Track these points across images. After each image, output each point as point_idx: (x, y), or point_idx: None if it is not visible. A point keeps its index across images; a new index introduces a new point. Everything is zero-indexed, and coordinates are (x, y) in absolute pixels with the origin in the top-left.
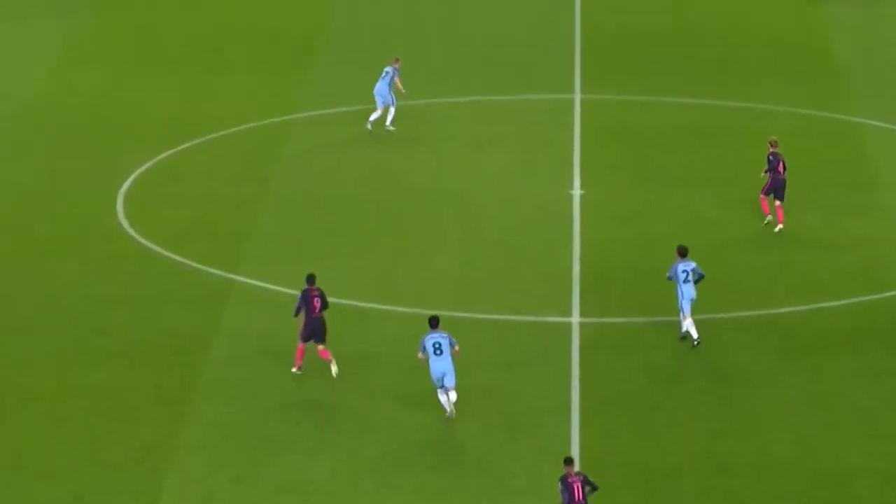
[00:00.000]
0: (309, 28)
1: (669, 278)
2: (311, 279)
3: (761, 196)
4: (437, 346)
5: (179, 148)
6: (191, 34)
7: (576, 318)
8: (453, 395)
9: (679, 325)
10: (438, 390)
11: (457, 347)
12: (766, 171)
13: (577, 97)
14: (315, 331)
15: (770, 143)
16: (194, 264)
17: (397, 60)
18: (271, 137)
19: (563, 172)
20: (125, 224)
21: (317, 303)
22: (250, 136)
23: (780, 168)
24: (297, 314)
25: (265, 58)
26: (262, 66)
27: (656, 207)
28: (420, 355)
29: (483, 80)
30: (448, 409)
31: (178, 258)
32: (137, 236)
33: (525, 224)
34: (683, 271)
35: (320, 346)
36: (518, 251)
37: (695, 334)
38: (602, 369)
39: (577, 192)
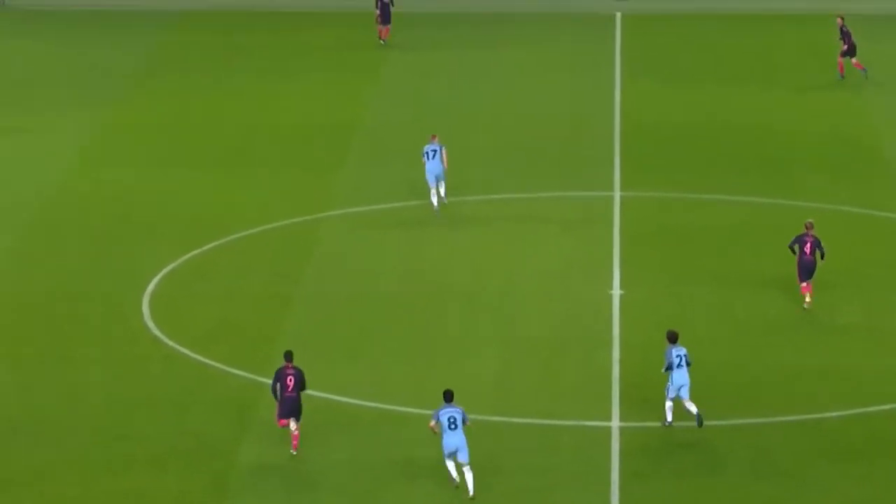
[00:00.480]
0: (342, 121)
1: (668, 368)
2: (288, 356)
3: (801, 285)
4: (451, 420)
5: (207, 247)
6: (219, 128)
7: (616, 423)
8: (469, 474)
9: (664, 413)
10: (447, 460)
11: (468, 422)
12: (790, 246)
13: (617, 195)
14: (292, 410)
15: (805, 225)
16: (221, 366)
17: (434, 137)
18: (302, 236)
19: (602, 272)
20: (151, 325)
21: (290, 381)
22: (280, 235)
23: (808, 249)
24: (273, 391)
25: (296, 152)
26: (293, 161)
27: (697, 309)
28: (432, 423)
29: (520, 177)
30: (455, 479)
31: (204, 360)
32: (163, 337)
33: (563, 325)
34: (678, 356)
35: (294, 428)
36: (556, 353)
37: (694, 409)
38: (642, 474)
39: (616, 292)
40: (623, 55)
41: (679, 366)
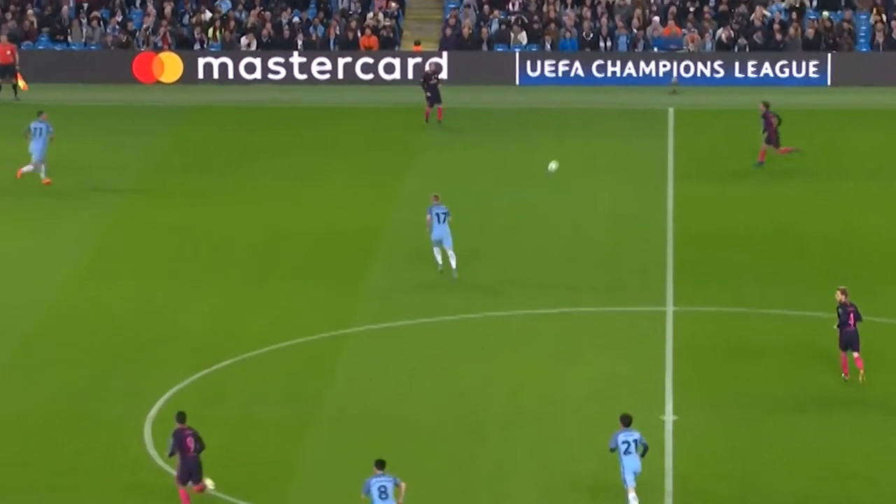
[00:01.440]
0: (367, 228)
1: (612, 450)
2: (181, 417)
3: (841, 355)
4: (382, 489)
5: (217, 367)
6: (231, 235)
7: None
8: None
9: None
10: None
11: (403, 487)
12: (836, 326)
13: (670, 309)
14: (192, 471)
15: (840, 290)
16: (232, 499)
17: (436, 197)
18: (322, 354)
19: (653, 394)
20: (153, 453)
21: (190, 442)
22: (298, 353)
23: (851, 320)
24: (171, 455)
25: (317, 262)
26: (311, 272)
27: (758, 436)
28: (363, 497)
29: (562, 288)
30: None
31: (214, 492)
32: (167, 467)
33: (610, 455)
34: (625, 442)
35: (197, 487)
36: (602, 487)
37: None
38: None
39: (669, 417)
40: (676, 153)
41: (627, 452)
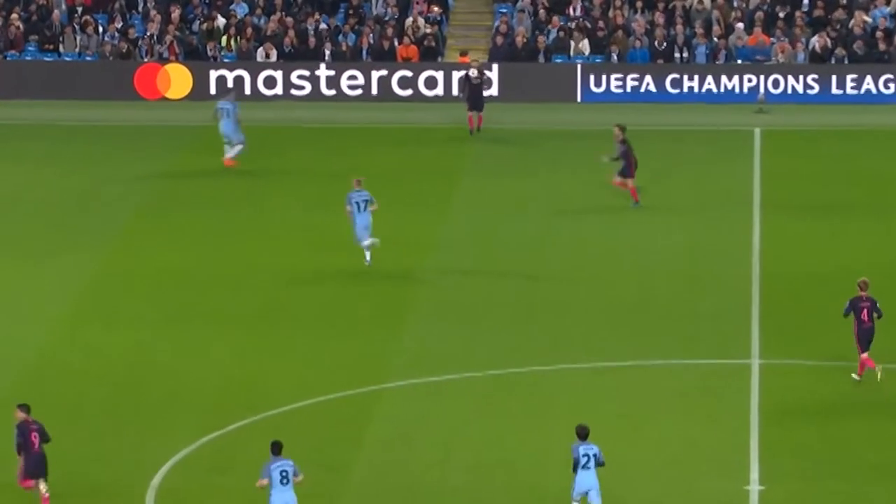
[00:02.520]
0: (400, 269)
1: (575, 466)
2: (24, 408)
3: (861, 355)
4: (284, 474)
5: (228, 428)
6: (245, 277)
7: None
8: None
9: None
10: None
11: (300, 477)
12: (845, 315)
13: (755, 362)
14: (39, 468)
15: (859, 285)
16: None
17: (358, 182)
18: (351, 414)
19: (736, 461)
20: None
21: (35, 437)
22: (323, 413)
23: (865, 316)
24: (18, 451)
25: (342, 308)
26: (338, 319)
27: None
28: (262, 482)
29: (631, 339)
30: None
31: None
32: None
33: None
34: (585, 455)
35: (44, 489)
36: None
37: None
38: None
39: (755, 487)
40: (763, 181)
41: (586, 466)
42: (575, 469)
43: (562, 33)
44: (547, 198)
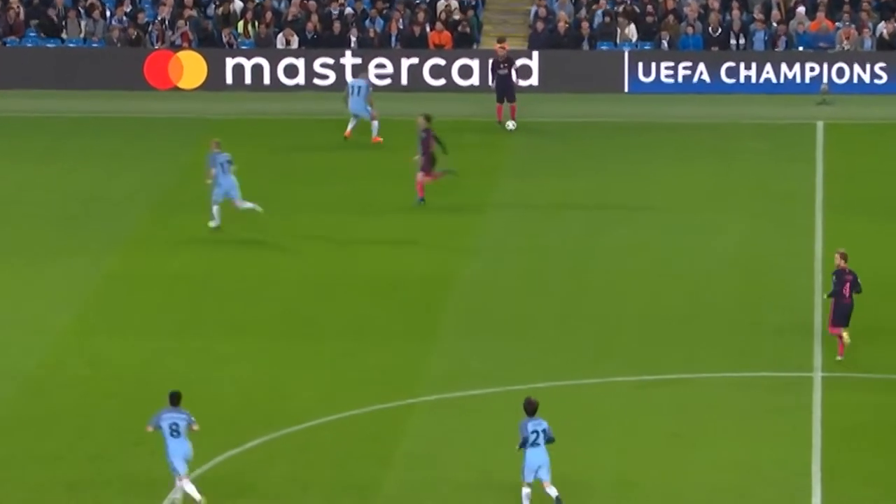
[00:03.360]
0: (433, 273)
1: (522, 444)
2: None
3: (829, 329)
4: (174, 427)
5: (246, 447)
6: (264, 283)
7: None
8: (190, 486)
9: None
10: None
11: (196, 427)
12: (827, 295)
13: (817, 375)
14: None
15: (839, 255)
16: None
17: (217, 144)
18: (378, 431)
19: (796, 483)
20: None
21: None
22: (348, 430)
23: (847, 290)
24: None
25: (370, 317)
26: (365, 330)
27: None
28: (148, 429)
29: (682, 351)
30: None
31: None
32: None
33: None
34: (534, 431)
35: None
36: None
37: (554, 493)
38: None
39: None
40: (826, 178)
41: (535, 443)
42: (523, 446)
43: (607, 18)
44: (591, 198)
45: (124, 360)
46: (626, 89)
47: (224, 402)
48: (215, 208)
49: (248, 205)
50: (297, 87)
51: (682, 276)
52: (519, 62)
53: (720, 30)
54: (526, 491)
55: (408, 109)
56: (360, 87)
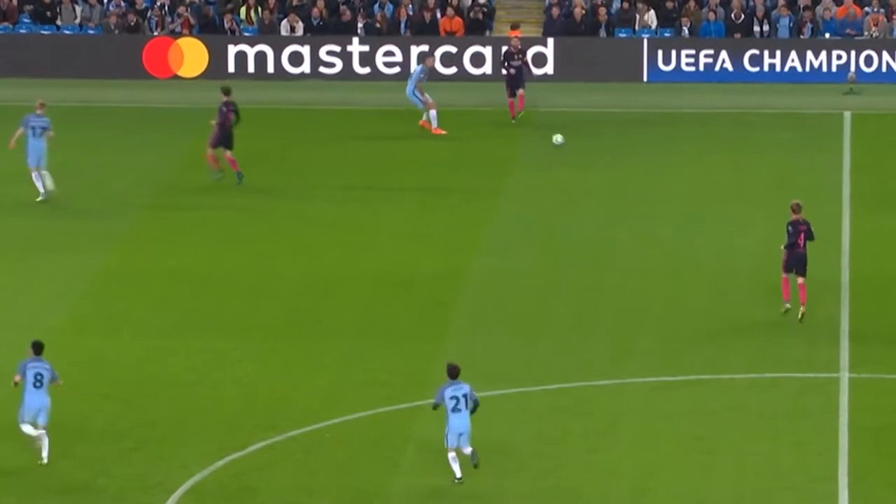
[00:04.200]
0: (443, 270)
1: (435, 406)
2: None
3: (783, 277)
4: (38, 377)
5: (248, 450)
6: (267, 280)
7: None
8: (45, 440)
9: (450, 467)
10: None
11: (59, 382)
12: (784, 247)
13: (844, 376)
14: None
15: (791, 207)
16: None
17: (41, 106)
18: (386, 435)
19: (823, 490)
20: None
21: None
22: (354, 433)
23: (801, 240)
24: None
25: (377, 316)
26: (372, 329)
27: None
28: (17, 378)
29: (702, 350)
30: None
31: None
32: None
33: None
34: (453, 397)
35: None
36: None
37: (468, 450)
38: None
39: None
40: (853, 171)
41: (457, 409)
42: (436, 408)
43: (626, 4)
44: (608, 191)
45: (120, 360)
46: (645, 78)
47: (226, 403)
48: (34, 177)
49: (43, 184)
50: (302, 75)
51: (703, 272)
52: (534, 50)
53: (743, 16)
54: (452, 455)
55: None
56: (413, 72)
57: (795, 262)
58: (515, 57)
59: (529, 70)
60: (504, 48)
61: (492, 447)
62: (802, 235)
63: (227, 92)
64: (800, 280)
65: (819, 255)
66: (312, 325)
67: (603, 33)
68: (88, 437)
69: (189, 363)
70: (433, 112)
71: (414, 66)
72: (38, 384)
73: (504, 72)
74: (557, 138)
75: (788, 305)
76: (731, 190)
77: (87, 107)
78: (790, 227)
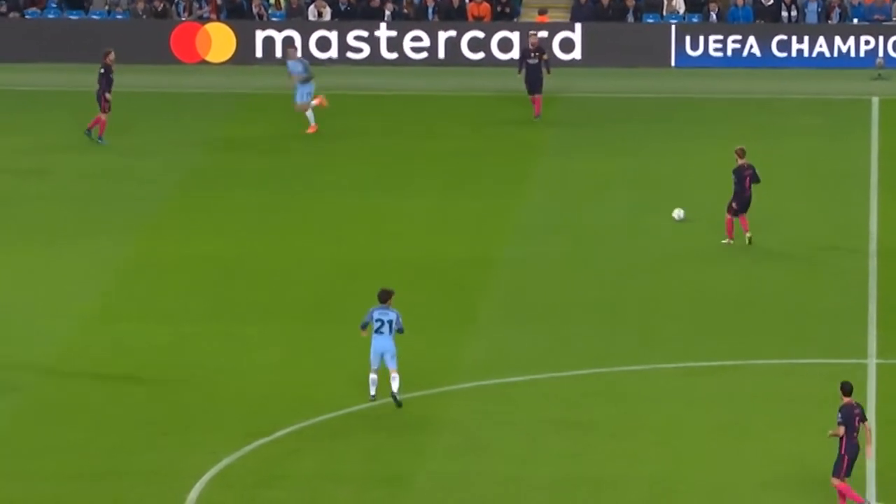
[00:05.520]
0: (470, 256)
1: (364, 325)
2: None
3: (727, 217)
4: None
5: (276, 435)
6: (294, 266)
7: None
8: None
9: (369, 387)
10: None
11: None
12: (734, 192)
13: (872, 363)
14: None
15: (736, 152)
16: None
17: None
18: (413, 420)
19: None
20: None
21: None
22: (382, 419)
23: (747, 184)
24: None
25: (404, 301)
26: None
27: None
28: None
29: (729, 336)
30: None
31: None
32: None
33: None
34: (378, 320)
35: None
36: None
37: (395, 386)
38: None
39: None
40: (882, 157)
41: (379, 331)
42: (364, 328)
43: None
44: (636, 177)
45: (149, 345)
46: (673, 63)
47: (253, 389)
48: None
49: None
50: (329, 60)
51: (731, 258)
52: (561, 35)
53: (771, 1)
54: (372, 377)
55: (446, 85)
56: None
57: (743, 206)
58: (533, 54)
59: (548, 68)
60: (523, 47)
61: (518, 432)
62: (748, 180)
63: (106, 54)
64: (742, 216)
65: (846, 240)
66: (339, 310)
67: (631, 18)
68: (117, 422)
69: (217, 349)
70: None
71: (441, 51)
72: (382, 330)
73: (521, 69)
74: (679, 213)
75: (732, 241)
76: (761, 176)
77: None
78: (735, 175)
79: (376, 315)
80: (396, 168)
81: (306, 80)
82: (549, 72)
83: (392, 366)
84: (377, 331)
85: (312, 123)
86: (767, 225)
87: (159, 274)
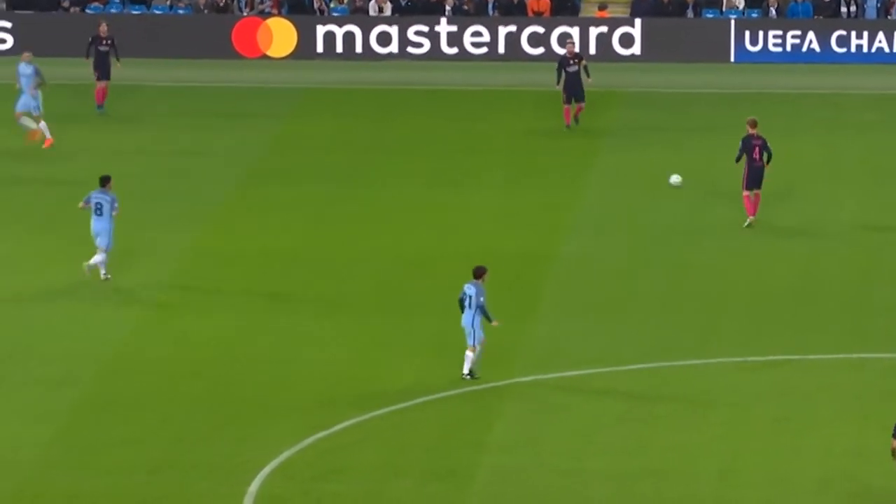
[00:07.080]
0: (530, 250)
1: (460, 301)
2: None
3: (744, 194)
4: (98, 205)
5: (337, 428)
6: (355, 259)
7: None
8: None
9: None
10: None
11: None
12: (738, 160)
13: None
14: None
15: (748, 122)
16: None
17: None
18: (474, 414)
19: None
20: None
21: None
22: (443, 412)
23: (756, 154)
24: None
25: None
26: (458, 310)
27: None
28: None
29: (790, 330)
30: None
31: None
32: None
33: None
34: (463, 294)
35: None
36: None
37: (465, 369)
38: None
39: None
40: None
41: (461, 305)
42: (461, 302)
43: None
44: (696, 173)
45: (210, 339)
46: (732, 59)
47: (314, 382)
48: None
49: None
50: (390, 55)
51: (790, 253)
52: (621, 30)
53: None
54: (466, 353)
55: (505, 80)
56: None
57: (756, 177)
58: (571, 62)
59: (587, 75)
60: (560, 56)
61: (577, 426)
62: (758, 150)
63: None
64: (756, 191)
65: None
66: (400, 303)
67: (690, 14)
68: (177, 415)
69: (278, 342)
70: (43, 123)
71: (501, 46)
72: (98, 212)
73: (560, 78)
74: (675, 179)
75: (752, 219)
76: (820, 171)
77: (176, 86)
78: (744, 143)
79: (465, 289)
80: (457, 162)
81: (39, 86)
82: (588, 76)
83: (468, 342)
84: (460, 304)
85: (48, 136)
86: (826, 220)
87: (221, 267)
